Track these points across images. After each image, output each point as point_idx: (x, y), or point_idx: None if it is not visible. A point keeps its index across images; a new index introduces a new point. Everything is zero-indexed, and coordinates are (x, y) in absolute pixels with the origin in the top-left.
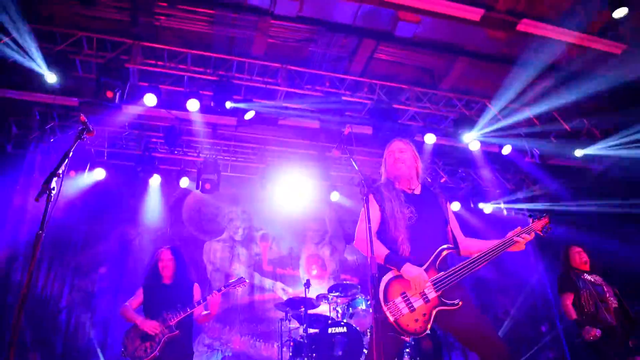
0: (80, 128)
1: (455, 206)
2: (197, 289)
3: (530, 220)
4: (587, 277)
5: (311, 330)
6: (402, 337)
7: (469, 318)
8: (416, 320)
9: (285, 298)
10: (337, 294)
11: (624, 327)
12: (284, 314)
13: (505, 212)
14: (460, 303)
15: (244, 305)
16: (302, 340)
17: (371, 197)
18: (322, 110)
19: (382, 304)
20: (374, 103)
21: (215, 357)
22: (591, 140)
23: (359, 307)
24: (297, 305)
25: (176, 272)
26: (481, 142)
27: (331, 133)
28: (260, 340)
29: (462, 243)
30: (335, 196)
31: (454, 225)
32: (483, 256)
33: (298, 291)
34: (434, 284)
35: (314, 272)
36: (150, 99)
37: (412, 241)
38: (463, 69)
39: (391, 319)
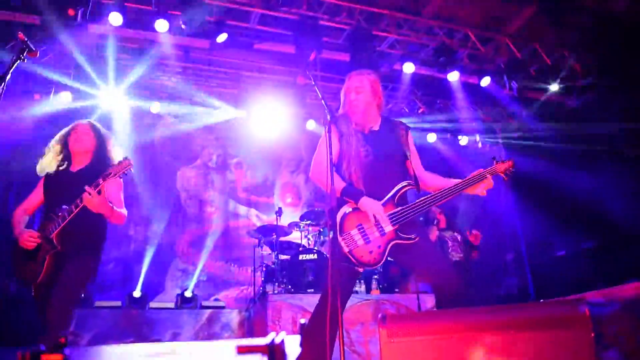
0: (19, 47)
1: (432, 137)
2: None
3: (494, 162)
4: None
5: (283, 257)
6: (355, 267)
7: (423, 253)
8: (370, 252)
9: (259, 225)
10: (308, 222)
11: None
12: (257, 240)
13: (480, 145)
14: (416, 238)
15: (218, 232)
16: (274, 266)
17: (333, 127)
18: (299, 35)
19: (337, 235)
20: (353, 29)
21: (190, 281)
22: (571, 75)
23: (330, 235)
24: (269, 233)
25: (93, 156)
26: (460, 72)
27: (307, 59)
28: (234, 265)
29: (422, 177)
30: (311, 124)
31: (414, 158)
32: (441, 194)
33: (272, 219)
34: (391, 218)
35: (288, 200)
36: (115, 18)
37: (368, 179)
38: None
39: (345, 249)
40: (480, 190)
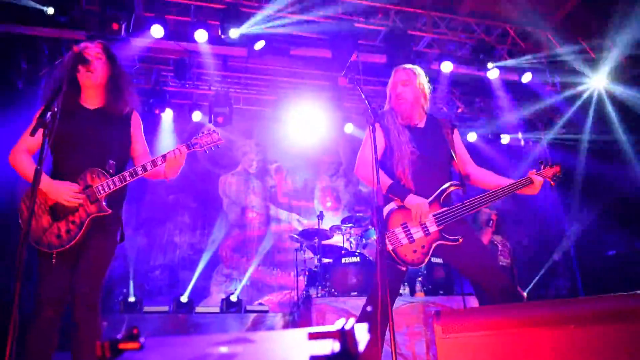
0: (73, 60)
1: (472, 137)
2: (137, 123)
3: (542, 166)
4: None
5: (325, 260)
6: (398, 266)
7: (469, 253)
8: (414, 252)
9: (300, 229)
10: (350, 225)
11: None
12: (299, 244)
13: (522, 143)
14: (460, 240)
15: (260, 236)
16: (316, 270)
17: (378, 125)
18: (335, 39)
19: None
20: (389, 30)
21: (234, 286)
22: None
23: (372, 238)
24: (311, 236)
25: (109, 86)
26: (500, 70)
27: (344, 62)
28: (277, 269)
29: (473, 174)
30: (349, 128)
31: (462, 155)
32: (488, 196)
33: (313, 223)
34: (436, 218)
35: (329, 204)
36: (157, 30)
37: (414, 178)
38: None
39: (389, 247)
40: (531, 191)
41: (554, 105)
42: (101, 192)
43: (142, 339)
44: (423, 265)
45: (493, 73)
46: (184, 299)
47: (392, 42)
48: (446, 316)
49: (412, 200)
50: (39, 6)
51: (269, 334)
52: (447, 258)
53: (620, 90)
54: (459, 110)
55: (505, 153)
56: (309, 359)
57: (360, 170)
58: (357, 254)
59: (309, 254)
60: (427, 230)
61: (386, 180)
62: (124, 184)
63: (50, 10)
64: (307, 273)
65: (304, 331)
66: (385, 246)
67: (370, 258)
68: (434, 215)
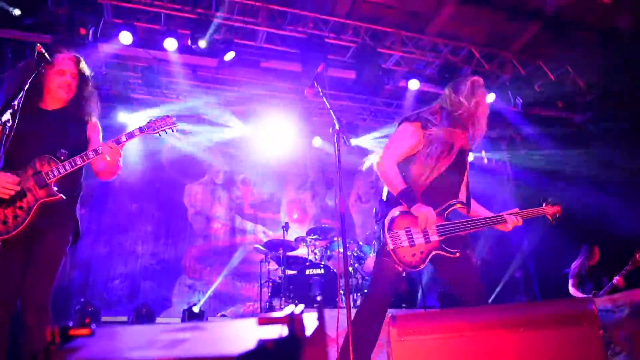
0: (37, 58)
1: None
2: (94, 128)
3: (544, 204)
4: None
5: (289, 272)
6: (396, 266)
7: (463, 269)
8: (413, 255)
9: (265, 240)
10: (315, 237)
11: None
12: (263, 256)
13: (486, 161)
14: (457, 254)
15: (224, 247)
16: (280, 281)
17: (418, 125)
18: (305, 53)
19: (385, 231)
20: (359, 46)
21: (197, 297)
22: (575, 91)
23: (337, 250)
24: (276, 247)
25: (75, 95)
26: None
27: (314, 73)
28: (241, 281)
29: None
30: (317, 142)
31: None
32: (481, 221)
33: (279, 234)
34: (438, 229)
35: (295, 216)
36: (125, 37)
37: (430, 190)
38: (450, 12)
39: (390, 246)
40: (503, 228)
41: (516, 125)
42: (50, 177)
43: (93, 326)
44: (419, 269)
45: None
46: (144, 309)
47: (361, 59)
48: (402, 319)
49: (420, 208)
50: (5, 6)
51: (220, 322)
52: (440, 268)
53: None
54: None
55: (469, 171)
56: (257, 343)
57: (386, 168)
58: (321, 265)
59: (273, 265)
60: (428, 238)
61: (400, 185)
62: (75, 168)
63: (17, 12)
64: (271, 284)
65: (253, 319)
66: (385, 245)
67: (334, 270)
68: (437, 226)
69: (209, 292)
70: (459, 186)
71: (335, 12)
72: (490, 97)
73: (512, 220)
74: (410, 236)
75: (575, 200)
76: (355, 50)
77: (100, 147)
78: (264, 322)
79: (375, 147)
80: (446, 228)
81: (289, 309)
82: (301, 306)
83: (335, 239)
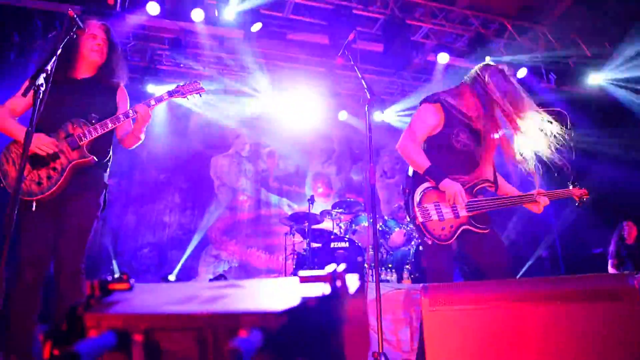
0: (68, 24)
1: None
2: (123, 96)
3: (571, 186)
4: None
5: (314, 245)
6: (425, 238)
7: (491, 247)
8: (442, 229)
9: (290, 213)
10: (340, 210)
11: None
12: (288, 228)
13: None
14: (487, 230)
15: (250, 219)
16: (305, 253)
17: (438, 106)
18: (332, 25)
19: (415, 204)
20: (387, 18)
21: (222, 267)
22: (612, 67)
23: (362, 224)
24: (301, 220)
25: (105, 63)
26: (497, 63)
27: (340, 49)
28: (265, 253)
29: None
30: (343, 115)
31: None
32: (510, 198)
33: (303, 208)
34: (467, 205)
35: (320, 190)
36: (152, 8)
37: (455, 165)
38: None
39: (420, 219)
40: (537, 207)
41: (548, 102)
42: (82, 139)
43: (132, 281)
44: (448, 242)
45: None
46: (171, 277)
47: (389, 31)
48: (434, 289)
49: (448, 183)
50: None
51: (261, 280)
52: (467, 246)
53: (613, 89)
54: None
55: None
56: (300, 300)
57: (407, 148)
58: (346, 239)
59: (298, 238)
60: (457, 213)
61: (424, 162)
62: (106, 130)
63: None
64: (295, 257)
65: (295, 278)
66: (415, 217)
67: (359, 244)
68: (464, 203)
69: (235, 263)
70: (484, 165)
71: None
72: (522, 72)
73: (542, 200)
74: (439, 210)
75: (607, 179)
76: (384, 22)
77: (134, 108)
78: (305, 280)
79: (402, 122)
80: (475, 204)
81: (331, 267)
82: (343, 265)
83: (361, 213)
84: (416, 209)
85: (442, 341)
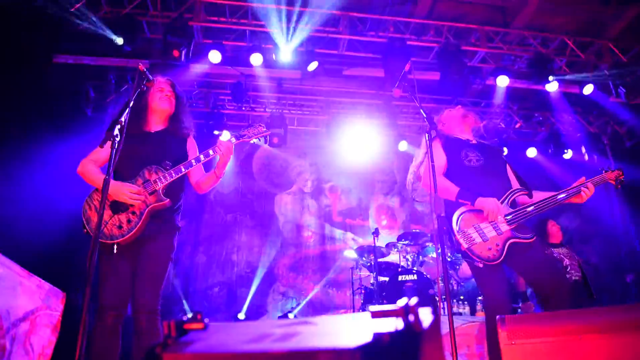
0: (138, 77)
1: (532, 152)
2: (192, 144)
3: (603, 171)
4: (555, 250)
5: (381, 278)
6: (476, 263)
7: (540, 256)
8: (489, 249)
9: (355, 247)
10: (406, 242)
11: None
12: (354, 262)
13: (586, 157)
14: (533, 238)
15: (315, 255)
16: (372, 287)
17: (437, 142)
18: (387, 58)
19: (455, 232)
20: (442, 46)
21: (290, 304)
22: None
23: (429, 255)
24: (366, 254)
25: (173, 115)
26: (559, 82)
27: (396, 80)
28: (332, 288)
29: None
30: (403, 146)
31: (513, 173)
32: (547, 202)
33: (368, 241)
34: (507, 218)
35: (384, 222)
36: (214, 56)
37: (480, 182)
38: (538, 3)
39: (465, 246)
40: (578, 200)
41: (619, 117)
42: (159, 183)
43: (206, 320)
44: (499, 261)
45: (552, 86)
46: (240, 316)
47: (445, 59)
48: (512, 322)
49: (483, 200)
50: (110, 35)
51: (331, 317)
52: (515, 260)
53: None
54: (517, 126)
55: (568, 169)
56: (372, 336)
57: (427, 182)
58: (414, 271)
59: (364, 272)
60: (499, 229)
61: (453, 188)
62: (180, 175)
63: (120, 41)
64: (363, 291)
65: (366, 313)
66: (460, 245)
67: (428, 276)
68: (504, 216)
69: (304, 301)
70: (505, 174)
71: (415, 13)
72: (588, 89)
73: (588, 189)
74: (480, 231)
75: None
76: (439, 50)
77: (215, 147)
78: (377, 315)
79: None
80: (515, 215)
81: (403, 301)
82: (415, 298)
83: (428, 244)
84: (458, 236)
85: None
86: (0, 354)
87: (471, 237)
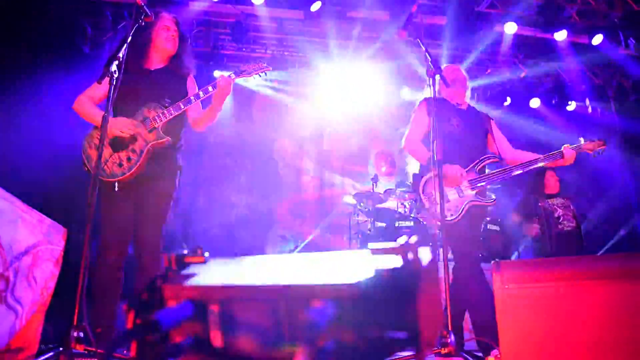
0: (136, 12)
1: (536, 102)
2: (192, 84)
3: (582, 140)
4: (548, 201)
5: (379, 224)
6: (433, 220)
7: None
8: (448, 209)
9: (354, 193)
10: (404, 189)
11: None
12: (352, 208)
13: (590, 110)
14: (493, 202)
15: (314, 200)
16: (370, 232)
17: (423, 105)
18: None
19: (421, 193)
20: None
21: (288, 247)
22: None
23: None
24: (365, 200)
25: (176, 54)
26: (569, 31)
27: (402, 24)
28: (330, 233)
29: (511, 154)
30: (405, 93)
31: (499, 138)
32: (519, 165)
33: (368, 187)
34: (471, 183)
35: (383, 169)
36: None
37: (454, 148)
38: None
39: (426, 205)
40: (561, 162)
41: (626, 70)
42: (157, 121)
43: (206, 254)
44: (455, 219)
45: (561, 35)
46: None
47: (452, 2)
48: (505, 267)
49: (448, 167)
50: None
51: (331, 253)
52: (471, 220)
53: None
54: (522, 75)
55: (571, 120)
56: (372, 271)
57: (408, 146)
58: (411, 217)
59: (362, 218)
60: (462, 192)
61: (425, 153)
62: (179, 112)
63: None
64: (360, 236)
65: (366, 250)
66: (423, 204)
67: (424, 222)
68: (468, 181)
69: (303, 244)
70: (483, 142)
71: None
72: (597, 39)
73: (568, 152)
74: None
75: None
76: None
77: (214, 82)
78: (377, 252)
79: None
80: (478, 181)
81: (403, 239)
82: (415, 237)
83: None
84: (422, 197)
85: (514, 319)
86: (4, 285)
87: (434, 198)
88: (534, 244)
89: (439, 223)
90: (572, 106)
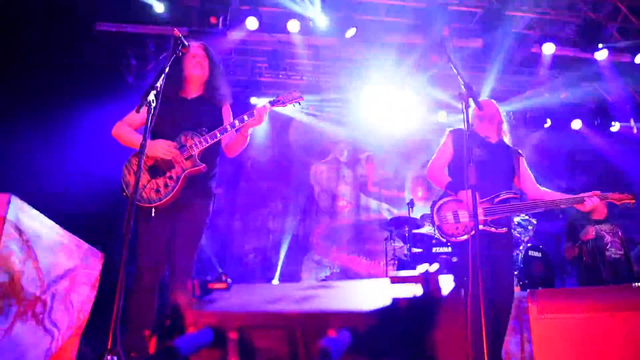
0: (174, 43)
1: (577, 124)
2: (227, 112)
3: (609, 192)
4: (597, 227)
5: (415, 250)
6: (442, 238)
7: (500, 256)
8: (457, 229)
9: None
10: None
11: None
12: (388, 233)
13: (635, 130)
14: (505, 230)
15: (350, 225)
16: (406, 258)
17: (449, 137)
18: (427, 24)
19: (434, 212)
20: (485, 11)
21: (324, 272)
22: None
23: None
24: (401, 225)
25: (208, 81)
26: (610, 50)
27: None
28: (366, 258)
29: (534, 193)
30: (442, 116)
31: (525, 176)
32: (541, 204)
33: (403, 212)
34: (485, 210)
35: (420, 194)
36: (251, 22)
37: (475, 177)
38: None
39: (437, 223)
40: (582, 208)
41: None
42: (194, 148)
43: (229, 281)
44: (459, 239)
45: (602, 54)
46: (275, 282)
47: (488, 24)
48: (542, 296)
49: (465, 192)
50: (149, 1)
51: (352, 281)
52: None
53: None
54: (562, 96)
55: (615, 141)
56: (389, 301)
57: (430, 173)
58: (448, 244)
59: (398, 243)
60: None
61: (445, 179)
62: (215, 140)
63: (160, 8)
64: (396, 262)
65: (386, 279)
66: (434, 222)
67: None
68: (484, 208)
69: (338, 270)
70: (506, 178)
71: None
72: (639, 59)
73: (589, 203)
74: (456, 215)
75: None
76: (482, 15)
77: (252, 110)
78: (396, 280)
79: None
80: (493, 209)
81: (423, 268)
82: (436, 265)
83: None
84: (435, 216)
85: (550, 349)
86: (41, 309)
87: (446, 218)
88: (579, 269)
89: (445, 241)
90: (616, 127)
